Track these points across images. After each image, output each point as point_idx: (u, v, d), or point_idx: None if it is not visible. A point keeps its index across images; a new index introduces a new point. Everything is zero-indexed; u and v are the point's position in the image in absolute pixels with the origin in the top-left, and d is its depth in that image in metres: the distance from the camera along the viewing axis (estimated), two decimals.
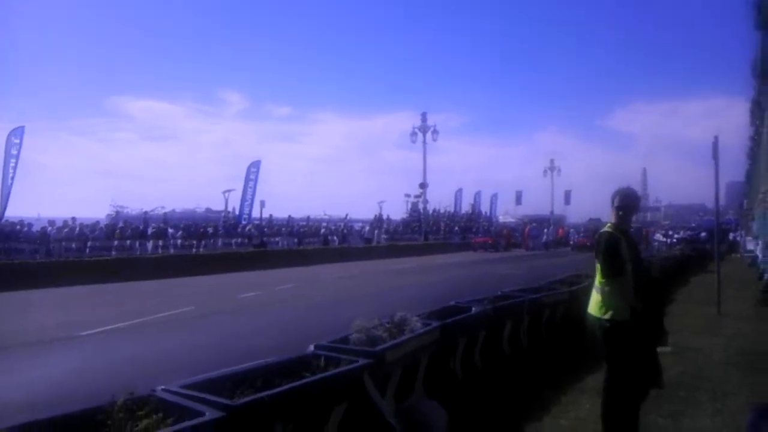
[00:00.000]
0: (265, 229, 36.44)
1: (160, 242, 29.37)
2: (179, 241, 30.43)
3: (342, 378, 4.07)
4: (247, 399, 3.37)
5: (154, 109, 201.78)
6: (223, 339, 10.26)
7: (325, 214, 53.27)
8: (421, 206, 50.43)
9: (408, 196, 54.17)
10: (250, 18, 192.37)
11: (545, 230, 52.41)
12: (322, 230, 40.75)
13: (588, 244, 37.62)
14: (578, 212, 76.49)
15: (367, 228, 45.59)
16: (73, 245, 26.24)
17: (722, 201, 18.72)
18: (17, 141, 27.15)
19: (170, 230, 31.67)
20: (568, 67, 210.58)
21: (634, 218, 5.32)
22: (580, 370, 7.27)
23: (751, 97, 26.50)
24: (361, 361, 4.29)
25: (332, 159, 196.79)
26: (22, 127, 27.78)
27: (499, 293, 8.29)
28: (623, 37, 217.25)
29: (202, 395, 3.35)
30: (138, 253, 27.57)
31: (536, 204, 74.13)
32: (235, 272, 23.97)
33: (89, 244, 26.64)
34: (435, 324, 5.67)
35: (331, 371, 4.10)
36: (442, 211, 58.00)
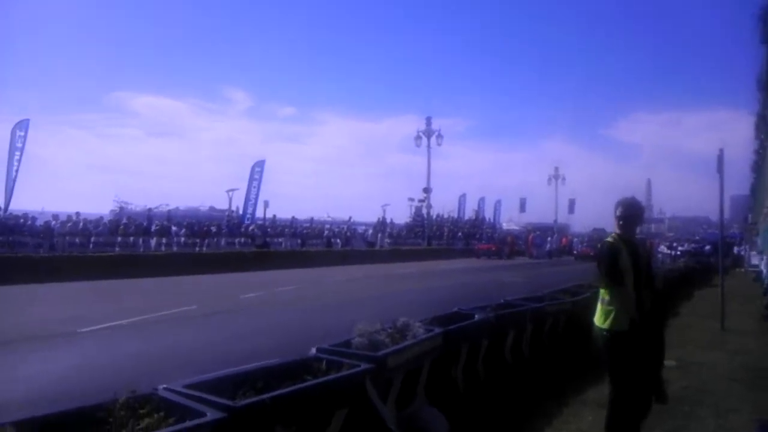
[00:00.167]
0: (269, 230, 36.45)
1: (164, 240, 29.38)
2: (182, 239, 30.45)
3: (344, 382, 4.05)
4: (248, 401, 3.35)
5: (159, 106, 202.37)
6: (224, 339, 10.25)
7: (329, 216, 53.35)
8: (424, 211, 50.49)
9: (412, 200, 54.28)
10: (255, 17, 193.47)
11: (549, 239, 52.37)
12: (326, 232, 40.74)
13: (591, 253, 37.52)
14: (582, 221, 76.48)
15: (371, 231, 45.60)
16: (77, 240, 26.28)
17: (727, 214, 18.64)
18: (22, 134, 27.24)
19: (174, 228, 31.69)
20: (573, 75, 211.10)
21: (638, 229, 5.30)
22: (582, 381, 7.24)
23: (756, 111, 26.42)
24: (363, 366, 4.27)
25: (336, 161, 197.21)
26: (27, 120, 27.90)
27: (502, 301, 8.26)
28: (628, 46, 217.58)
29: (204, 395, 3.34)
30: (141, 249, 27.61)
31: (540, 212, 74.14)
32: (238, 272, 23.99)
33: (93, 239, 26.69)
34: (437, 330, 5.65)
35: (333, 375, 4.08)
36: (445, 216, 57.98)
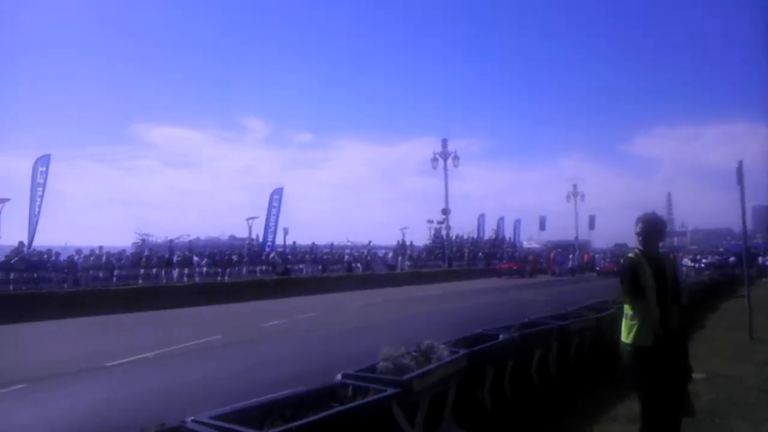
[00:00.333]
0: (289, 257, 36.56)
1: (186, 270, 29.57)
2: (204, 269, 30.63)
3: (370, 407, 4.04)
4: (276, 430, 3.36)
5: (177, 137, 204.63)
6: (249, 368, 10.25)
7: (348, 241, 53.46)
8: (444, 232, 50.36)
9: (431, 222, 54.20)
10: (270, 45, 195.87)
11: (571, 256, 51.97)
12: (346, 257, 40.76)
13: (614, 269, 37.19)
14: (603, 237, 75.73)
15: (391, 255, 45.55)
16: (100, 274, 26.52)
17: (749, 225, 18.53)
18: (43, 169, 27.49)
19: (195, 258, 31.91)
20: (589, 92, 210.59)
21: (661, 244, 5.28)
22: (611, 397, 7.16)
23: None
24: (389, 391, 4.27)
25: (354, 186, 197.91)
26: (48, 155, 28.17)
27: (527, 320, 8.22)
28: (644, 61, 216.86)
29: (232, 426, 3.35)
30: (164, 281, 27.79)
31: (560, 229, 73.84)
32: (260, 300, 24.03)
33: (116, 272, 26.92)
34: (462, 352, 5.63)
35: (360, 401, 4.08)
36: (465, 237, 57.75)
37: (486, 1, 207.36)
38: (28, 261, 24.97)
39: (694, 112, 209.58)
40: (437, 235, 53.29)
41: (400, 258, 43.86)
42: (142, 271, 27.88)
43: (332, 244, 44.76)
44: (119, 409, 7.30)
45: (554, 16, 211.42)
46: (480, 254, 52.42)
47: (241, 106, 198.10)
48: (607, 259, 50.63)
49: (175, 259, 30.69)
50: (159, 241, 43.25)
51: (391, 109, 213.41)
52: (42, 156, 28.00)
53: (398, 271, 40.55)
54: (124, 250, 31.59)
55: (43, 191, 27.46)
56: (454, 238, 52.62)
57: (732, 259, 43.09)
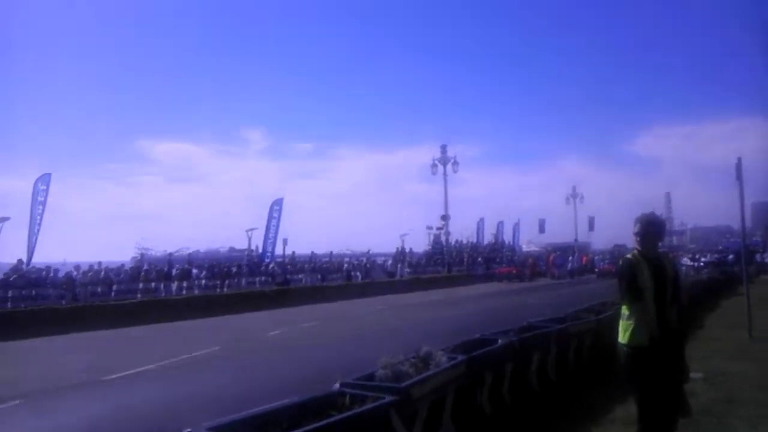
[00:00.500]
0: (288, 267, 36.53)
1: (185, 283, 29.50)
2: (203, 282, 30.58)
3: (368, 416, 4.04)
4: None
5: (179, 151, 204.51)
6: (248, 379, 10.25)
7: (348, 249, 53.34)
8: (443, 238, 50.37)
9: (430, 228, 54.26)
10: (269, 57, 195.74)
11: (570, 258, 51.98)
12: (345, 266, 40.72)
13: (614, 270, 37.20)
14: (603, 239, 75.56)
15: (390, 262, 45.55)
16: (99, 289, 26.44)
17: (748, 222, 18.55)
18: (44, 188, 27.61)
19: (194, 271, 31.87)
20: (587, 93, 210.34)
21: (660, 244, 5.29)
22: (610, 399, 7.15)
23: None
24: (388, 398, 4.27)
25: (354, 194, 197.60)
26: (49, 174, 28.30)
27: (525, 324, 8.23)
28: (642, 61, 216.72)
29: None
30: (163, 294, 27.70)
31: (560, 232, 73.40)
32: (260, 311, 24.01)
33: (114, 287, 26.83)
34: (461, 358, 5.63)
35: (357, 409, 4.08)
36: (464, 242, 57.78)
37: (482, 6, 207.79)
38: (27, 278, 24.93)
39: (692, 110, 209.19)
40: (437, 241, 53.34)
41: (399, 265, 43.84)
42: (140, 285, 27.81)
43: (331, 253, 44.73)
44: (118, 422, 7.29)
45: (551, 19, 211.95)
46: (479, 259, 52.40)
47: (241, 118, 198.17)
48: (606, 261, 50.68)
49: (174, 272, 30.64)
50: (158, 255, 43.16)
51: (391, 117, 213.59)
52: (43, 175, 28.10)
53: (398, 278, 40.51)
54: (123, 265, 31.56)
55: (43, 209, 27.53)
56: (453, 243, 52.64)
57: (731, 257, 43.15)
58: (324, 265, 39.13)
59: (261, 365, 11.90)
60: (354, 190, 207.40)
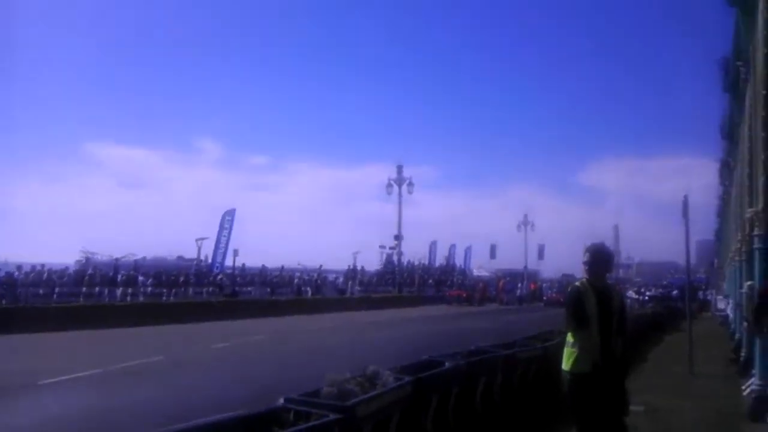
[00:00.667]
0: (238, 278, 36.09)
1: (130, 290, 28.92)
2: (150, 289, 30.03)
3: None
4: None
5: (130, 156, 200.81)
6: (191, 390, 10.06)
7: (299, 264, 52.90)
8: (395, 258, 50.39)
9: (383, 247, 54.10)
10: (225, 65, 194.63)
11: (519, 285, 52.55)
12: (296, 280, 40.44)
13: (561, 300, 37.71)
14: (552, 267, 76.80)
15: (341, 279, 45.38)
16: (41, 291, 25.76)
17: (693, 259, 19.02)
18: None
19: (141, 278, 31.25)
20: (542, 122, 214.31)
21: (608, 275, 5.36)
22: (552, 427, 7.20)
23: (720, 157, 27.25)
24: (332, 416, 4.21)
25: (308, 209, 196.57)
26: None
27: (473, 348, 8.24)
28: (596, 93, 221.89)
29: None
30: (107, 300, 27.11)
31: (510, 258, 74.29)
32: (206, 322, 23.61)
33: (57, 290, 26.18)
34: (407, 379, 5.60)
35: (301, 426, 4.01)
36: (416, 263, 57.88)
37: (441, 31, 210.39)
38: None
39: (643, 144, 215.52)
40: (389, 260, 53.29)
41: (350, 282, 43.74)
42: (84, 289, 27.17)
43: (282, 267, 44.32)
44: (49, 428, 7.06)
45: (507, 48, 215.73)
46: (430, 281, 52.60)
47: (195, 127, 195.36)
48: (554, 289, 51.34)
49: (119, 277, 30.00)
50: (104, 259, 42.18)
51: (348, 134, 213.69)
52: None
53: (348, 295, 40.38)
54: (67, 268, 30.79)
55: None
56: (405, 264, 52.67)
57: (675, 292, 44.11)
58: (274, 279, 38.79)
59: (204, 377, 11.71)
60: (308, 205, 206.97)
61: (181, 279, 32.71)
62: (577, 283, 5.12)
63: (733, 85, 16.13)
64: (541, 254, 70.32)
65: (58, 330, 18.53)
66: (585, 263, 5.05)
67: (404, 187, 46.53)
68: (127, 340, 17.86)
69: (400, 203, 46.98)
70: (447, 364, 6.68)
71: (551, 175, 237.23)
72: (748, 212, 10.28)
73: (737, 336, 16.80)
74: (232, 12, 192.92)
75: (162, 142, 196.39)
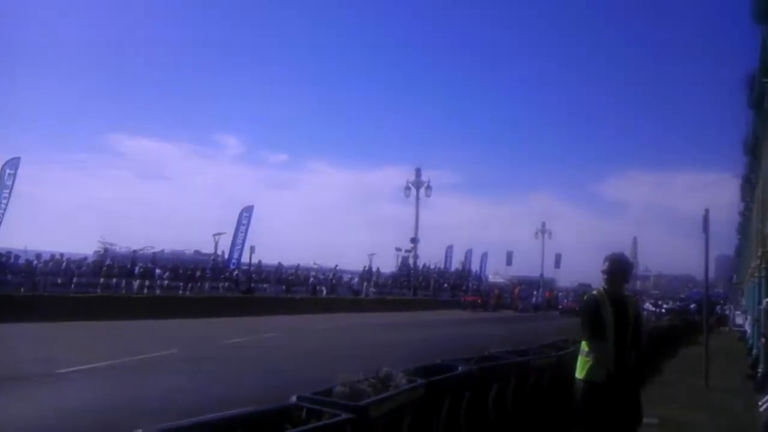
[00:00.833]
0: (253, 275, 36.21)
1: (147, 282, 29.11)
2: (166, 282, 30.20)
3: (324, 431, 3.97)
4: None
5: (151, 149, 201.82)
6: (204, 384, 10.09)
7: (315, 264, 52.95)
8: (411, 261, 50.30)
9: (399, 250, 54.05)
10: (249, 63, 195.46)
11: (535, 292, 52.31)
12: (311, 279, 40.52)
13: (576, 308, 37.48)
14: (568, 276, 76.55)
15: (356, 280, 45.40)
16: (59, 280, 25.99)
17: (712, 274, 18.82)
18: (12, 172, 27.11)
19: (157, 271, 31.45)
20: (563, 130, 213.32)
21: (626, 285, 5.32)
22: None
23: (742, 174, 26.98)
24: (344, 415, 4.20)
25: (325, 209, 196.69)
26: (18, 158, 27.83)
27: (486, 354, 8.20)
28: (618, 105, 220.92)
29: None
30: (124, 291, 27.31)
31: (526, 265, 74.00)
32: (221, 317, 23.71)
33: (75, 279, 26.41)
34: (420, 381, 5.58)
35: (313, 424, 4.00)
36: (432, 267, 57.77)
37: (467, 37, 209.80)
38: None
39: (666, 158, 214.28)
40: (404, 263, 53.22)
41: (365, 284, 43.73)
42: (102, 280, 27.38)
43: (298, 266, 44.42)
44: (65, 417, 7.12)
45: (534, 57, 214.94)
46: (445, 285, 52.49)
47: (217, 122, 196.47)
48: (570, 298, 51.06)
49: (137, 270, 30.22)
50: (123, 251, 42.49)
51: (369, 136, 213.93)
52: (11, 159, 27.63)
53: (363, 296, 40.39)
54: (85, 258, 31.05)
55: (10, 194, 27.00)
56: (421, 267, 52.60)
57: (692, 306, 43.71)
58: (290, 277, 38.87)
59: (218, 372, 11.75)
60: (326, 205, 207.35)
61: (198, 273, 32.87)
62: (594, 292, 5.09)
63: (758, 101, 15.98)
64: (557, 263, 69.98)
65: (75, 319, 18.69)
66: (604, 272, 5.01)
67: (422, 190, 46.54)
68: (142, 332, 17.98)
69: (417, 206, 47.03)
70: (460, 368, 6.66)
71: (571, 185, 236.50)
72: None
73: (755, 352, 16.62)
74: (257, 12, 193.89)
75: (183, 136, 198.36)
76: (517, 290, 52.05)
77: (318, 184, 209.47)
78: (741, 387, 13.06)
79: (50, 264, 27.12)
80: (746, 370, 14.98)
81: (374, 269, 47.82)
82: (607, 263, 5.01)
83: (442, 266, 58.87)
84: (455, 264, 61.25)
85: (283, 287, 36.24)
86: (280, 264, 40.75)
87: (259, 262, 39.10)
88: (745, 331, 23.34)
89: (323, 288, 39.44)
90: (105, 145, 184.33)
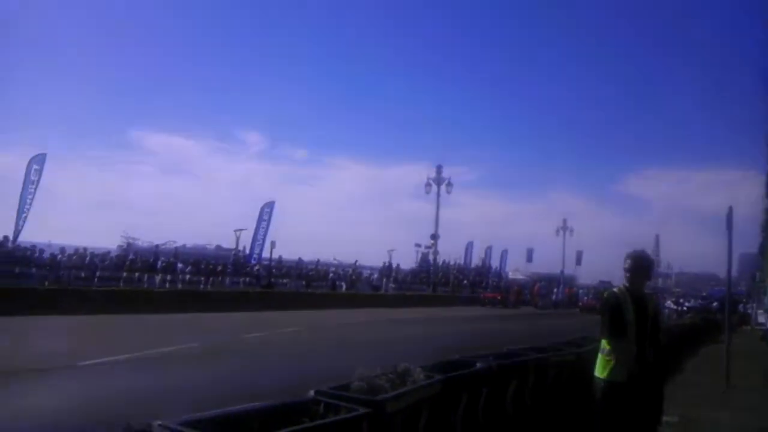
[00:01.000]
0: (274, 270, 36.40)
1: (169, 276, 29.37)
2: (188, 277, 30.46)
3: (341, 426, 3.99)
4: None
5: (174, 145, 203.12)
6: (223, 378, 10.16)
7: (335, 259, 53.12)
8: (431, 257, 50.29)
9: (419, 246, 54.04)
10: (272, 59, 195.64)
11: (555, 290, 52.07)
12: (331, 275, 40.67)
13: (597, 306, 37.23)
14: (589, 273, 76.05)
15: (376, 275, 45.48)
16: (83, 274, 26.30)
17: (735, 272, 18.58)
18: (38, 168, 27.49)
19: (180, 265, 31.74)
20: (585, 127, 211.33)
21: (647, 283, 5.29)
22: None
23: (766, 170, 26.64)
24: (361, 410, 4.22)
25: (345, 204, 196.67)
26: (44, 154, 28.23)
27: (505, 350, 8.19)
28: (639, 102, 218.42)
29: None
30: (146, 285, 27.58)
31: (547, 262, 73.82)
32: (242, 311, 23.84)
33: (98, 273, 26.71)
34: (438, 377, 5.59)
35: (330, 419, 4.03)
36: (452, 263, 57.70)
37: (485, 37, 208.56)
38: (12, 255, 24.79)
39: (688, 155, 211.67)
40: (424, 259, 53.22)
41: (385, 279, 43.80)
42: (124, 274, 27.68)
43: (318, 261, 44.60)
44: (85, 409, 7.21)
45: (552, 53, 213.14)
46: (465, 281, 52.41)
47: (240, 119, 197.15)
48: (590, 295, 50.75)
49: (159, 264, 30.51)
50: (145, 245, 42.92)
51: (389, 132, 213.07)
52: (37, 155, 28.01)
53: (383, 292, 40.47)
54: (108, 252, 31.42)
55: (35, 189, 27.38)
56: (441, 263, 52.57)
57: (715, 304, 43.27)
58: (310, 272, 39.05)
59: (237, 365, 11.82)
60: (346, 200, 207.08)
61: (219, 268, 33.12)
62: (614, 290, 5.06)
63: None
64: (578, 260, 69.68)
65: (98, 313, 18.87)
66: (626, 269, 4.99)
67: (443, 187, 46.48)
68: (163, 325, 18.14)
69: (437, 203, 46.98)
70: (478, 364, 6.66)
71: (593, 182, 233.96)
72: None
73: None
74: (279, 10, 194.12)
75: (207, 132, 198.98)
76: (537, 287, 51.84)
77: (338, 180, 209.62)
78: (763, 386, 12.92)
79: (74, 258, 27.47)
80: None
81: (394, 265, 47.92)
82: (628, 261, 4.98)
83: (462, 263, 58.81)
84: (475, 260, 61.24)
85: (304, 282, 36.43)
86: (300, 259, 41.00)
87: (280, 257, 39.41)
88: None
89: (343, 283, 39.58)
90: (129, 141, 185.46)
